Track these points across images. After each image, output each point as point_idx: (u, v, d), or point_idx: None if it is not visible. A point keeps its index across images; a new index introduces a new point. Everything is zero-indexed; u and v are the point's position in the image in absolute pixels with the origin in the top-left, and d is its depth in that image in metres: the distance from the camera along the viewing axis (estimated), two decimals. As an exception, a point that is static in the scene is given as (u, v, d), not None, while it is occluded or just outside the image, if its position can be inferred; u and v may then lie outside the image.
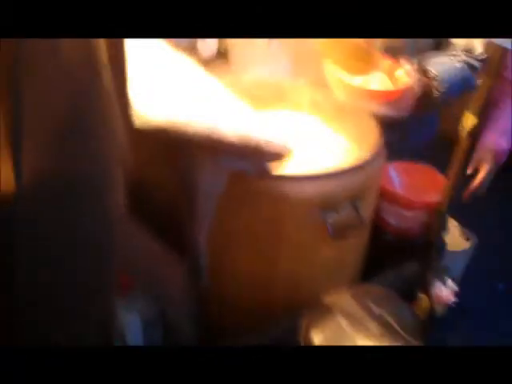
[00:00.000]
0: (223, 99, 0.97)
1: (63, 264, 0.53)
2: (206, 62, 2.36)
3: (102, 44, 0.51)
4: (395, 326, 1.02)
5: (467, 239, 1.34)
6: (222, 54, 2.48)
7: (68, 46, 0.47)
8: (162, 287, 0.97)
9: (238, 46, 2.46)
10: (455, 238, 1.30)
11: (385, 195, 1.19)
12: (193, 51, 2.37)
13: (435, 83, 1.25)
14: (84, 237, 0.54)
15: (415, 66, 1.25)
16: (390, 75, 1.24)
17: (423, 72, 1.26)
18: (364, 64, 1.20)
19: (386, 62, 1.26)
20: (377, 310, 1.03)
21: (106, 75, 0.52)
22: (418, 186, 1.26)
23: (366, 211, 1.08)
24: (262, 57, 2.36)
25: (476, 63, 1.29)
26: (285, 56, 1.90)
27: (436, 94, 1.25)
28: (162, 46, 0.97)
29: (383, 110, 1.18)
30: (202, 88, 0.97)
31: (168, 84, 0.91)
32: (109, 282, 0.62)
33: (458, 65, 1.27)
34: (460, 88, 1.26)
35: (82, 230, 0.54)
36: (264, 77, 1.40)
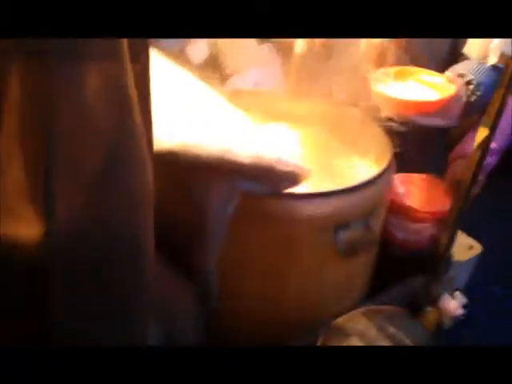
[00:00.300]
0: (233, 119, 0.94)
1: (99, 309, 0.51)
2: (197, 67, 2.33)
3: (129, 78, 0.48)
4: (409, 344, 1.00)
5: (471, 247, 1.33)
6: (212, 59, 2.44)
7: (96, 88, 0.45)
8: (171, 312, 0.94)
9: (228, 50, 2.44)
10: (459, 247, 1.29)
11: (392, 208, 1.17)
12: (183, 56, 2.34)
13: (471, 87, 1.22)
14: (119, 280, 0.52)
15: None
16: (434, 85, 1.22)
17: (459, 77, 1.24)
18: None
19: (426, 71, 1.24)
20: (390, 328, 1.02)
21: (135, 110, 0.49)
22: (424, 197, 1.24)
23: (377, 227, 1.06)
24: (254, 61, 2.33)
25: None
26: (276, 60, 1.87)
27: (474, 98, 1.22)
28: (165, 64, 0.93)
29: (431, 120, 1.16)
30: (211, 108, 0.94)
31: (177, 106, 0.87)
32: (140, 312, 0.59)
33: (487, 66, 1.25)
34: (493, 90, 1.25)
35: (119, 272, 0.52)
36: (265, 89, 1.36)
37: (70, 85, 0.44)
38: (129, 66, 0.47)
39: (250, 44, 2.46)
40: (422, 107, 1.16)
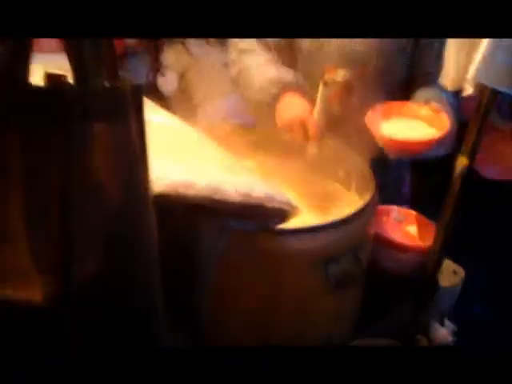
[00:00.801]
0: (219, 158, 0.94)
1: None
2: (168, 99, 2.33)
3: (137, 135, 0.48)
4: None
5: (455, 273, 1.34)
6: (182, 90, 2.45)
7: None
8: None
9: (197, 81, 2.44)
10: (444, 273, 1.30)
11: (378, 240, 1.17)
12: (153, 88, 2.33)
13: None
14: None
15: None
16: (425, 118, 1.20)
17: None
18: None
19: (409, 104, 1.23)
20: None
21: (141, 163, 0.49)
22: (409, 229, 1.25)
23: (365, 258, 1.05)
24: (220, 92, 2.34)
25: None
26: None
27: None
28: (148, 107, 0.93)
29: (429, 153, 1.15)
30: (197, 149, 0.93)
31: (162, 148, 0.86)
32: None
33: (449, 93, 1.27)
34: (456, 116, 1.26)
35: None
36: (241, 123, 1.36)
37: (82, 145, 0.43)
38: (133, 123, 0.47)
39: (216, 75, 2.48)
40: (425, 145, 1.14)
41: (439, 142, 1.14)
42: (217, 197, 0.82)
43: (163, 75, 2.40)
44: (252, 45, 1.34)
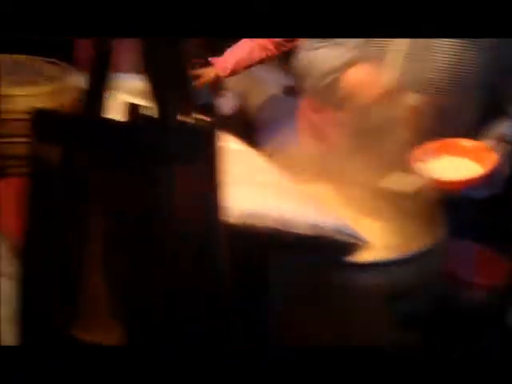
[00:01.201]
0: (285, 184, 0.92)
1: None
2: (225, 119, 2.34)
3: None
4: None
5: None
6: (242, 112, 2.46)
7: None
8: None
9: (257, 103, 2.45)
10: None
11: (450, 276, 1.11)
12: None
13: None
14: None
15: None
16: (475, 155, 1.15)
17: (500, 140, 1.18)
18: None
19: (463, 141, 1.18)
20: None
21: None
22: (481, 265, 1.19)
23: (435, 295, 1.01)
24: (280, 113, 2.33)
25: None
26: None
27: None
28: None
29: (478, 193, 1.11)
30: (262, 175, 0.92)
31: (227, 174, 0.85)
32: None
33: None
34: None
35: None
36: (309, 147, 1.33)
37: (163, 185, 0.42)
38: (212, 164, 0.47)
39: (276, 99, 2.48)
40: (466, 184, 1.09)
41: (485, 180, 1.08)
42: (285, 228, 0.81)
43: (222, 96, 2.42)
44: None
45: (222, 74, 2.10)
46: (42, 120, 0.50)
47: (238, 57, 2.09)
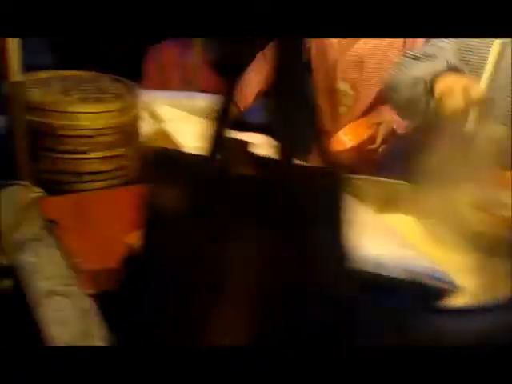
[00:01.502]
0: (373, 223, 0.88)
1: None
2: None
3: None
4: None
5: None
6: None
7: None
8: None
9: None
10: None
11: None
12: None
13: None
14: None
15: None
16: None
17: None
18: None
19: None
20: None
21: None
22: None
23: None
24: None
25: None
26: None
27: None
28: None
29: None
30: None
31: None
32: None
33: None
34: None
35: None
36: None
37: None
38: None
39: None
40: None
41: None
42: (378, 271, 0.76)
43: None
44: None
45: None
46: (164, 160, 0.47)
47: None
